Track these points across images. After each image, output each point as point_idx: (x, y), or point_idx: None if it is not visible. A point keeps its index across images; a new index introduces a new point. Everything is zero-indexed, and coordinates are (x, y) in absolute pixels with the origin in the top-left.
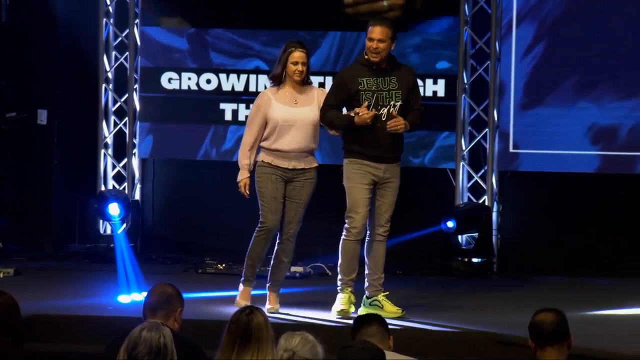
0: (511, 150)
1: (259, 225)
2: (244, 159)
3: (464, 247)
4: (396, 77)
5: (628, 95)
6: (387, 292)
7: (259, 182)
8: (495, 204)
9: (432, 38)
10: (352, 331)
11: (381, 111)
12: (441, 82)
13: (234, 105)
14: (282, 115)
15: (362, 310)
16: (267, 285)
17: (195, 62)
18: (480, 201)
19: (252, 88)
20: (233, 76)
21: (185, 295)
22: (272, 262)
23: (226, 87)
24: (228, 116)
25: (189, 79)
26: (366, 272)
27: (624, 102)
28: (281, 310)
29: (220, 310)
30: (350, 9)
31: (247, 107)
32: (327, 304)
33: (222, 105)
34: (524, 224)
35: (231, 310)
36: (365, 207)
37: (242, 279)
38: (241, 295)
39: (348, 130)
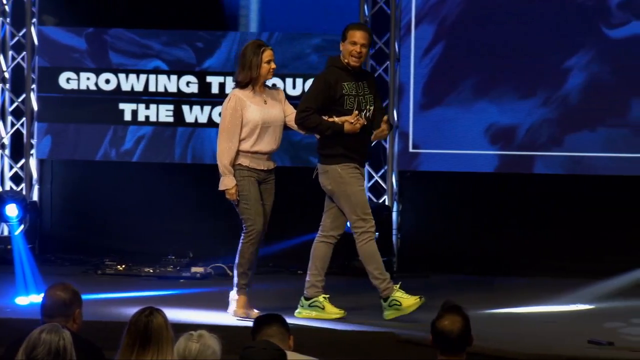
0: (411, 150)
1: (247, 230)
2: (230, 165)
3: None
4: (366, 81)
5: (526, 96)
6: (328, 295)
7: (242, 187)
8: (395, 203)
9: (332, 38)
10: (252, 331)
11: (361, 116)
12: None
13: (133, 106)
14: (260, 116)
15: (298, 313)
16: (236, 290)
17: (94, 62)
18: (380, 201)
19: (151, 88)
20: (132, 76)
21: (85, 297)
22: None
23: (125, 87)
24: (127, 116)
25: (88, 79)
26: (310, 272)
27: (522, 103)
28: (182, 311)
29: (120, 312)
30: None
31: (147, 107)
32: (228, 305)
33: (122, 106)
34: (424, 223)
35: (131, 311)
36: (369, 207)
37: (236, 288)
38: (240, 304)
39: (329, 136)
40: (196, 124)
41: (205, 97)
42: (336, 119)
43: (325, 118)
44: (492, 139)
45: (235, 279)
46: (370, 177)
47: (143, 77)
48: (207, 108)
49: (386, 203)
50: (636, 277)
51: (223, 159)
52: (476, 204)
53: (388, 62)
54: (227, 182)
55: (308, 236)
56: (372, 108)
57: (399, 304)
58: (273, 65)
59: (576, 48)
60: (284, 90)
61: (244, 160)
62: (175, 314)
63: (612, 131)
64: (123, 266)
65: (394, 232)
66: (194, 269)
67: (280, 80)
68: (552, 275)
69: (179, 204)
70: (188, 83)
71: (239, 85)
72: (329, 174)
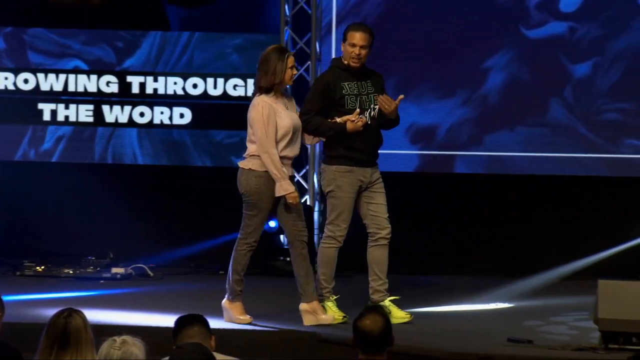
0: None
1: (247, 238)
2: (282, 169)
3: (286, 247)
4: (371, 81)
5: (446, 96)
6: (397, 297)
7: (260, 194)
8: (316, 203)
9: (253, 38)
10: (173, 332)
11: (365, 115)
12: None
13: (52, 106)
14: (291, 121)
15: None
16: (231, 297)
17: (12, 62)
18: (302, 201)
19: (71, 88)
20: (52, 76)
21: (4, 298)
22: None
23: (44, 87)
24: (47, 116)
25: (6, 78)
26: (371, 278)
27: (442, 102)
28: (103, 312)
29: (39, 313)
30: None
31: (67, 107)
32: (149, 305)
33: (41, 106)
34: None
35: (50, 312)
36: (350, 217)
37: (231, 296)
38: (237, 311)
39: (333, 136)
40: (116, 124)
41: (125, 97)
42: (337, 119)
43: (331, 120)
44: (413, 138)
45: (230, 286)
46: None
47: (62, 76)
48: (127, 108)
49: (308, 203)
50: (555, 275)
51: (277, 165)
52: (397, 204)
53: (309, 62)
54: (286, 187)
55: (229, 236)
56: (377, 107)
57: (388, 312)
58: (295, 71)
59: (495, 48)
60: (205, 89)
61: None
62: (95, 315)
63: (531, 131)
64: (42, 267)
65: (316, 231)
66: (114, 270)
67: (202, 80)
68: (472, 274)
69: (100, 205)
70: (108, 83)
71: (262, 90)
72: (325, 174)
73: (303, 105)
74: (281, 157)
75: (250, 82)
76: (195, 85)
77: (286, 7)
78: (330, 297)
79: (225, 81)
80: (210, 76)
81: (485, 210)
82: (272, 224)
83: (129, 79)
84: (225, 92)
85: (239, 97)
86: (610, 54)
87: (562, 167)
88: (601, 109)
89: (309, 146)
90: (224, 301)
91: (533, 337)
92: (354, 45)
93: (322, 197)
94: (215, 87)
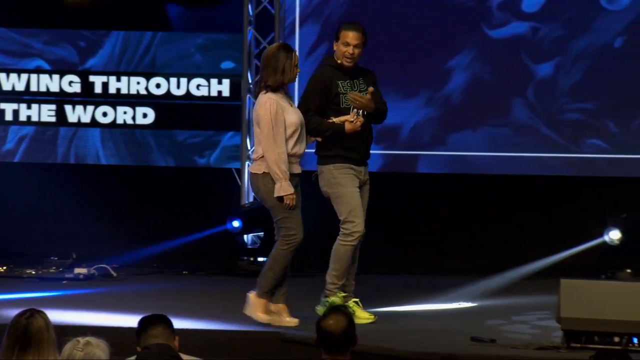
0: None
1: (288, 238)
2: (285, 169)
3: (249, 247)
4: (363, 79)
5: (409, 95)
6: (358, 299)
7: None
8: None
9: (216, 38)
10: (137, 332)
11: (359, 114)
12: (226, 82)
13: (14, 105)
14: (298, 118)
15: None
16: (258, 292)
17: None
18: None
19: (33, 88)
20: (14, 75)
21: None
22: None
23: (6, 86)
24: (9, 116)
25: None
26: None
27: (405, 102)
28: (65, 313)
29: (1, 314)
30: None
31: (29, 107)
32: (112, 306)
33: (2, 105)
34: (309, 222)
35: (12, 313)
36: (362, 209)
37: (260, 291)
38: (263, 309)
39: (330, 136)
40: (79, 124)
41: (88, 96)
42: (335, 120)
43: (329, 120)
44: (376, 138)
45: (262, 282)
46: None
47: (24, 76)
48: (90, 108)
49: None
50: (518, 274)
51: (280, 165)
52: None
53: None
54: (286, 188)
55: (193, 236)
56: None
57: (352, 312)
58: (299, 70)
59: (458, 48)
60: (168, 89)
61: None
62: (58, 316)
63: (493, 130)
64: (4, 267)
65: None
66: (77, 270)
67: (165, 80)
68: (436, 273)
69: (62, 205)
70: (70, 83)
71: (271, 88)
72: (323, 175)
73: (300, 103)
74: (291, 155)
75: (214, 81)
76: (159, 85)
77: (249, 6)
78: (338, 294)
79: (189, 81)
80: (173, 76)
81: (449, 210)
82: (236, 223)
83: (92, 78)
84: (188, 92)
85: (202, 97)
86: (572, 54)
87: (525, 167)
88: (563, 109)
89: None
90: (251, 294)
91: (496, 336)
92: (347, 44)
93: None
94: (178, 87)
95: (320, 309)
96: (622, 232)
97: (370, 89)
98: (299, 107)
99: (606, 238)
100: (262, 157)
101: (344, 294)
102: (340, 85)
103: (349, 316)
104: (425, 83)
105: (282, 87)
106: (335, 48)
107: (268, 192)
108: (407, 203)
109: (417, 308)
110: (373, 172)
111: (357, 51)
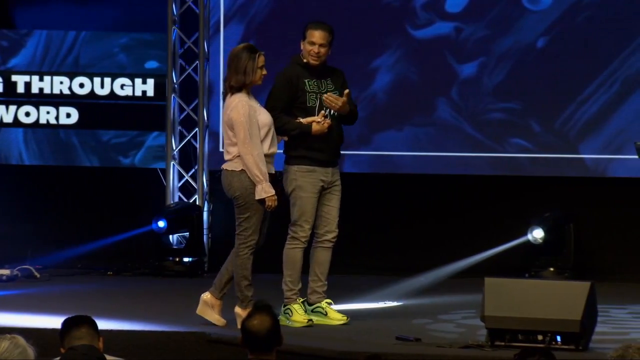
0: (221, 149)
1: (247, 241)
2: (265, 171)
3: (175, 247)
4: (330, 78)
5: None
6: (330, 300)
7: (253, 196)
8: (205, 203)
9: (140, 37)
10: (61, 333)
11: (325, 113)
12: (150, 82)
13: None
14: (268, 118)
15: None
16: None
17: None
18: (191, 201)
19: None
20: None
21: None
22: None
23: None
24: None
25: None
26: (311, 278)
27: None
28: None
29: None
30: None
31: None
32: (36, 307)
33: None
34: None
35: None
36: (313, 217)
37: (244, 304)
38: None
39: (296, 136)
40: (1, 124)
41: (10, 96)
42: (302, 120)
43: (297, 120)
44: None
45: (242, 293)
46: (181, 176)
47: None
48: (12, 108)
49: (197, 203)
50: (443, 273)
51: (259, 166)
52: (287, 203)
53: (197, 62)
54: (267, 189)
55: (117, 237)
56: None
57: (324, 313)
58: (265, 72)
59: (383, 48)
60: (92, 89)
61: None
62: None
63: (418, 130)
64: None
65: (205, 231)
66: (0, 271)
67: (88, 79)
68: (361, 272)
69: None
70: None
71: (233, 89)
72: (287, 174)
73: (267, 101)
74: (266, 155)
75: (138, 81)
76: (82, 85)
77: (173, 6)
78: (298, 300)
79: (113, 81)
80: (97, 76)
81: (372, 211)
82: (161, 224)
83: (14, 78)
84: (112, 91)
85: (127, 97)
86: (495, 54)
87: (450, 167)
88: (487, 109)
89: (197, 146)
90: (237, 309)
91: (421, 335)
92: (312, 43)
93: (211, 197)
94: (102, 86)
95: (282, 319)
96: (545, 231)
97: (347, 90)
98: (265, 104)
99: (530, 237)
100: (238, 156)
101: (302, 299)
102: (307, 84)
103: (274, 316)
104: (350, 83)
105: (247, 88)
106: (302, 47)
107: (242, 188)
108: (364, 205)
109: (343, 307)
110: None
111: (322, 50)
